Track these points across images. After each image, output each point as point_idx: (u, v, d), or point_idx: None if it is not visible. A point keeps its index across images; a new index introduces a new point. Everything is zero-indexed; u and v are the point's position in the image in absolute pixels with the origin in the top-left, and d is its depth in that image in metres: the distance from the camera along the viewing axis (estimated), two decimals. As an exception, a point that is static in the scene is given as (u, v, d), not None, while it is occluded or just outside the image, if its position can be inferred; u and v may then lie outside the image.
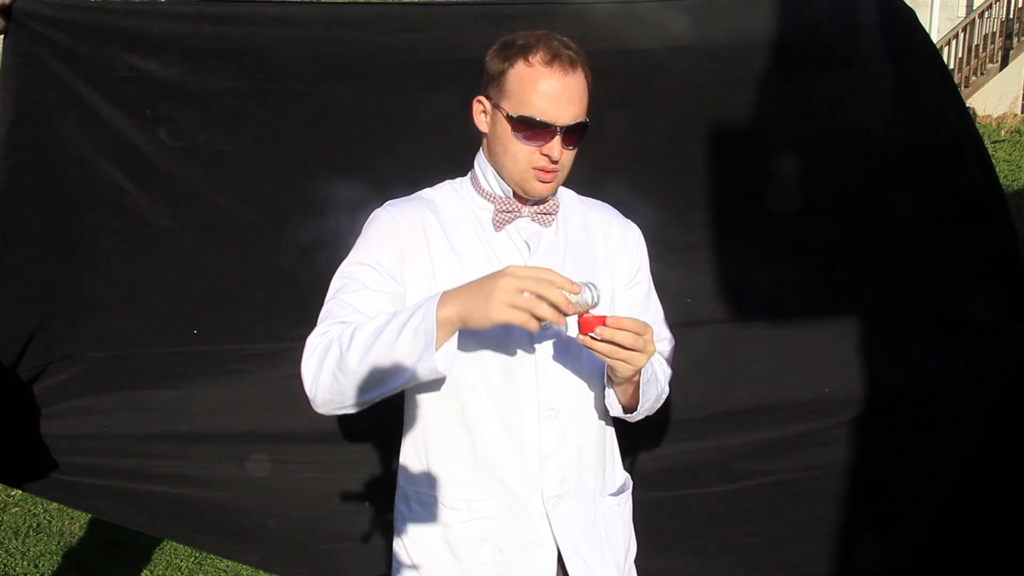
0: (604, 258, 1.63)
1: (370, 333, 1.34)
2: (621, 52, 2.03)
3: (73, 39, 1.91)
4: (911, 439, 2.25)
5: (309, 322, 2.03)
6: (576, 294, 1.27)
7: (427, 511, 1.56)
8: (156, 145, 2.00)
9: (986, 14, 12.11)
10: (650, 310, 1.71)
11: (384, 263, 1.50)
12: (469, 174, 1.62)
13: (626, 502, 1.71)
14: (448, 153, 1.94)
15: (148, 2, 2.01)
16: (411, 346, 1.31)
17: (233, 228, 2.09)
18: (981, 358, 2.23)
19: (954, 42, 11.96)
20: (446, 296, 1.32)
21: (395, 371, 1.33)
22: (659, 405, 1.68)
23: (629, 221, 1.71)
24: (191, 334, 2.12)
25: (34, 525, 3.94)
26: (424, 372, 1.33)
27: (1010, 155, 9.55)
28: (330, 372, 1.36)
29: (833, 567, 2.32)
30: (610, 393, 1.53)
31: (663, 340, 1.74)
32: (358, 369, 1.34)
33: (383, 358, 1.32)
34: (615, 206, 1.75)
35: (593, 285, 1.31)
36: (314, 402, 1.42)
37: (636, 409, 1.56)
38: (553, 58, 1.43)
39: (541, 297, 1.25)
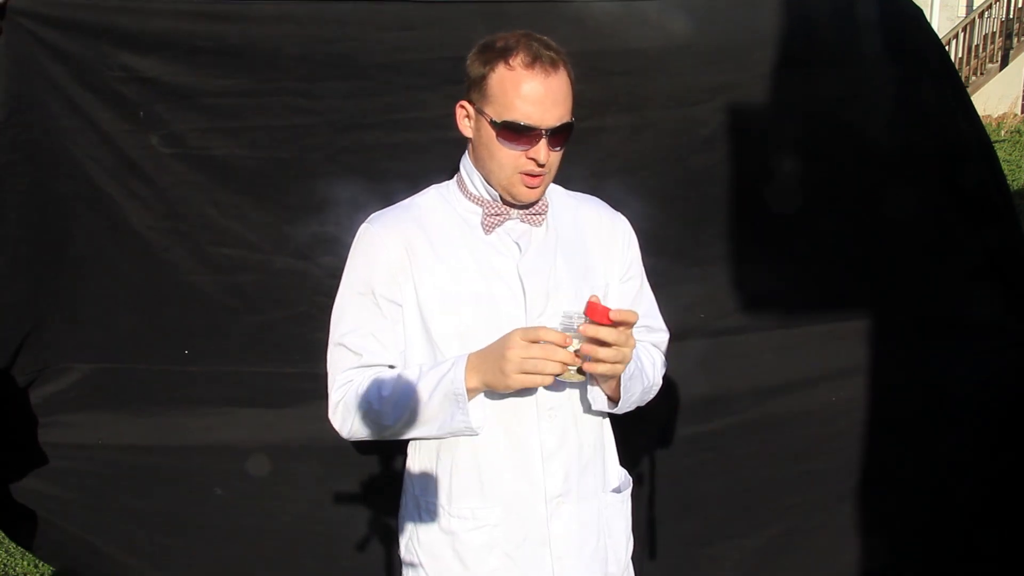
0: (596, 253, 1.62)
1: (398, 394, 1.46)
2: (621, 52, 2.02)
3: (68, 38, 1.89)
4: (914, 441, 2.25)
5: (305, 350, 2.02)
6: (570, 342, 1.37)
7: (435, 520, 1.57)
8: (147, 151, 1.97)
9: (986, 14, 12.12)
10: (643, 303, 1.70)
11: (378, 289, 1.52)
12: (455, 177, 1.61)
13: (627, 500, 1.71)
14: (447, 153, 1.93)
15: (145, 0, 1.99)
16: (441, 409, 1.45)
17: (224, 244, 2.05)
18: (984, 359, 2.23)
19: (954, 42, 11.96)
20: (471, 365, 1.43)
21: (428, 428, 1.48)
22: (649, 397, 1.66)
23: (618, 213, 1.70)
24: (181, 354, 2.08)
25: (32, 524, 3.92)
26: (458, 431, 1.48)
27: (1010, 155, 9.55)
28: (361, 422, 1.51)
29: (836, 567, 2.31)
30: (594, 388, 1.53)
31: (658, 331, 1.73)
32: (392, 425, 1.49)
33: (416, 418, 1.47)
34: (613, 207, 1.74)
35: (573, 315, 1.39)
36: (346, 437, 1.57)
37: (619, 402, 1.54)
38: (534, 60, 1.41)
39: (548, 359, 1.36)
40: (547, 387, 1.52)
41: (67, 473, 2.09)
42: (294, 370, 2.09)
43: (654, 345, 1.70)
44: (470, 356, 1.44)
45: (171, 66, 1.93)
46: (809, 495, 2.29)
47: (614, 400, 1.55)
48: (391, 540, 1.87)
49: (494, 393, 1.50)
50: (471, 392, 1.44)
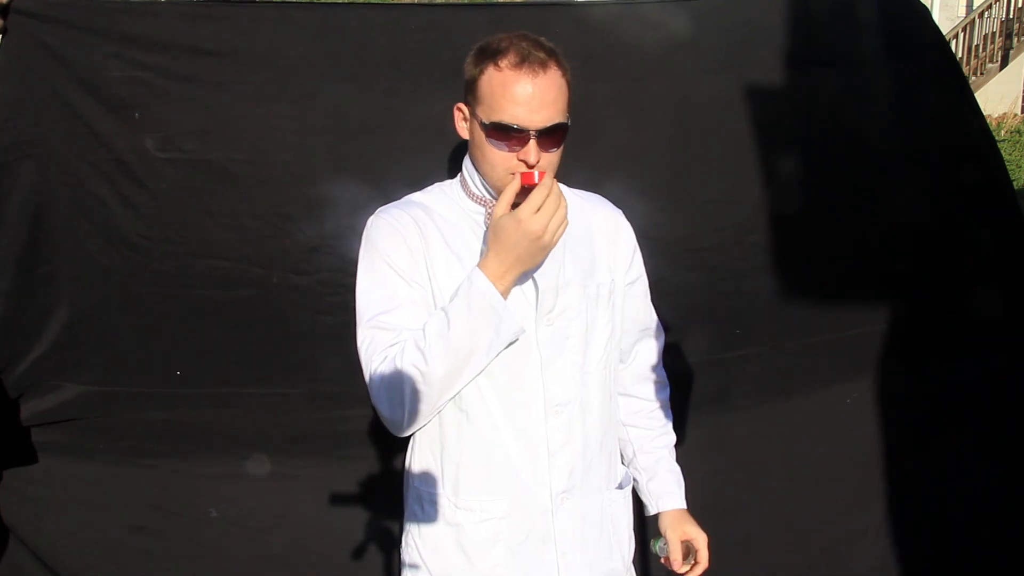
0: (601, 249, 1.62)
1: (438, 339, 1.40)
2: (621, 52, 2.02)
3: (69, 38, 1.88)
4: (916, 441, 2.25)
5: (306, 371, 2.01)
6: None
7: (440, 512, 1.56)
8: (143, 155, 1.94)
9: (986, 14, 12.14)
10: (647, 307, 1.72)
11: (403, 268, 1.49)
12: (458, 177, 1.61)
13: (629, 496, 1.71)
14: (447, 156, 1.94)
15: (148, 2, 1.99)
16: (485, 326, 1.39)
17: (220, 256, 2.01)
18: (987, 359, 2.22)
19: (954, 42, 11.97)
20: (490, 268, 1.39)
21: (477, 357, 1.41)
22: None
23: (617, 208, 1.71)
24: (174, 374, 2.04)
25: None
26: (507, 340, 1.43)
27: (1010, 155, 9.56)
28: (411, 391, 1.42)
29: (836, 567, 2.31)
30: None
31: (658, 339, 1.76)
32: (444, 375, 1.41)
33: (464, 352, 1.40)
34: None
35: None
36: (398, 428, 1.48)
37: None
38: (522, 61, 1.41)
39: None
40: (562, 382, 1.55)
41: (56, 486, 2.06)
42: (293, 390, 2.07)
43: (662, 408, 1.79)
44: (485, 265, 1.40)
45: (171, 68, 1.92)
46: (824, 500, 2.29)
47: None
48: (391, 547, 1.86)
49: (500, 388, 1.50)
50: (506, 291, 1.41)
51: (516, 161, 1.44)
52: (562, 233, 1.39)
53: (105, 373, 2.04)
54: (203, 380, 2.06)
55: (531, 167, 1.43)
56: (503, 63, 1.42)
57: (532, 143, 1.42)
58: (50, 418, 2.03)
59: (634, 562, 1.73)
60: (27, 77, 1.89)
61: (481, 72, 1.44)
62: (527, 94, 1.41)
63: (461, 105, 1.51)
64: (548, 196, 1.36)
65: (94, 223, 1.97)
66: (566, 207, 1.39)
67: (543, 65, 1.42)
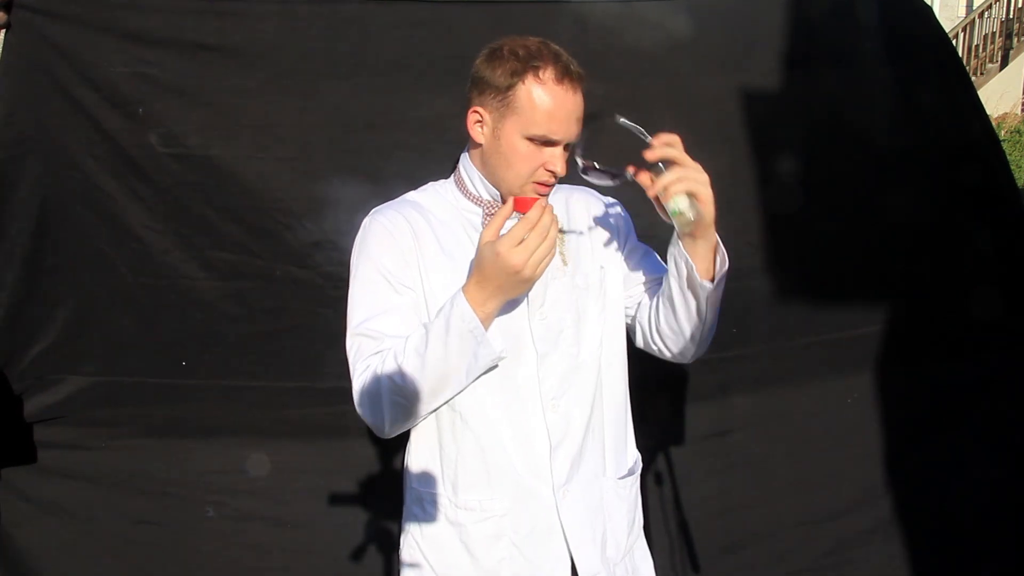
0: (587, 239, 1.63)
1: (415, 356, 1.41)
2: (621, 52, 2.02)
3: (73, 33, 1.88)
4: (916, 441, 2.25)
5: (305, 363, 2.02)
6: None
7: (440, 512, 1.56)
8: (148, 150, 1.95)
9: (986, 14, 12.13)
10: (655, 260, 1.70)
11: (392, 273, 1.50)
12: (453, 176, 1.61)
13: (633, 484, 1.70)
14: (448, 153, 1.94)
15: None
16: (462, 350, 1.40)
17: (224, 248, 2.02)
18: (987, 359, 2.22)
19: (954, 42, 11.96)
20: (472, 294, 1.39)
21: (455, 378, 1.43)
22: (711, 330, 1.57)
23: (608, 199, 1.70)
24: (179, 365, 2.05)
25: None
26: (485, 365, 1.44)
27: (1010, 155, 9.57)
28: (390, 403, 1.44)
29: (838, 566, 2.32)
30: (687, 266, 1.45)
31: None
32: (419, 392, 1.42)
33: (440, 373, 1.41)
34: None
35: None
36: (381, 432, 1.50)
37: (715, 279, 1.46)
38: (563, 76, 1.43)
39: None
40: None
41: (56, 482, 2.07)
42: (294, 384, 2.07)
43: None
44: (468, 290, 1.40)
45: (174, 63, 1.92)
46: (825, 500, 2.29)
47: (709, 276, 1.46)
48: (391, 547, 1.86)
49: (495, 387, 1.51)
50: (488, 318, 1.41)
51: (543, 171, 1.46)
52: (546, 266, 1.37)
53: (109, 364, 2.05)
54: (206, 372, 2.06)
55: (556, 176, 1.46)
56: (545, 76, 1.43)
57: (563, 155, 1.46)
58: (54, 413, 2.04)
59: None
60: (31, 72, 1.90)
61: (520, 82, 1.43)
62: (568, 110, 1.44)
63: (479, 108, 1.49)
64: (532, 230, 1.34)
65: (99, 216, 1.98)
66: (553, 239, 1.37)
67: (580, 79, 1.45)
